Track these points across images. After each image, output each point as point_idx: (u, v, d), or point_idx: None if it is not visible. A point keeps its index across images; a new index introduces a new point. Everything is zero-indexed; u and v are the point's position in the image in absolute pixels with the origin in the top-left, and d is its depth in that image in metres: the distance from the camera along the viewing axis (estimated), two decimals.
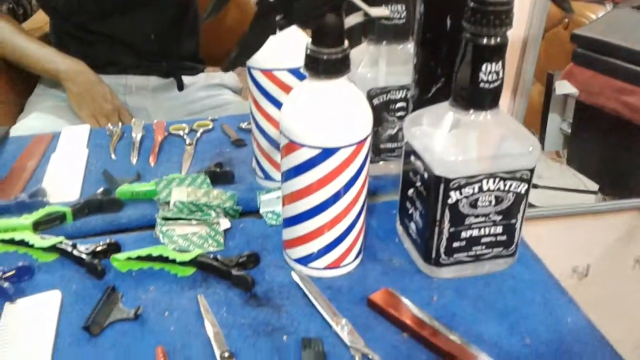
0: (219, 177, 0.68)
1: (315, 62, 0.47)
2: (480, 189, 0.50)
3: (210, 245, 0.59)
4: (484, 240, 0.54)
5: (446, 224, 0.52)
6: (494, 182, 0.50)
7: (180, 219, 0.60)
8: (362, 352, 0.47)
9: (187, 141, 0.77)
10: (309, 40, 0.47)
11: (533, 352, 0.48)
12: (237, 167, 0.71)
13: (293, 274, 0.55)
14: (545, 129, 1.11)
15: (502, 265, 0.56)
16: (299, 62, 0.48)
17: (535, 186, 0.52)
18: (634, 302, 0.99)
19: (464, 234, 0.53)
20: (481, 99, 0.49)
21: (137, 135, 0.77)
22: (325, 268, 0.55)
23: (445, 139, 0.50)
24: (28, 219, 0.60)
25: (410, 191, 0.55)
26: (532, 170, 0.51)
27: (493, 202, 0.52)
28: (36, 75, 1.01)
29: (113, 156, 0.75)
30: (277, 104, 0.61)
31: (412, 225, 0.56)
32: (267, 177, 0.67)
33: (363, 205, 0.53)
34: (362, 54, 0.63)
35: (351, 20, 0.47)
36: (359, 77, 0.62)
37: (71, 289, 0.54)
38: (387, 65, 0.63)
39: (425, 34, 0.57)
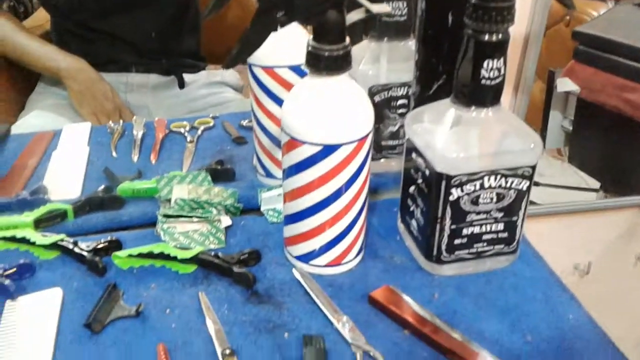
0: (220, 174, 0.68)
1: (316, 59, 0.47)
2: (482, 186, 0.50)
3: (212, 242, 0.59)
4: (485, 237, 0.54)
5: (447, 221, 0.52)
6: (496, 179, 0.50)
7: (182, 216, 0.60)
8: (363, 349, 0.47)
9: (188, 139, 0.77)
10: (310, 37, 0.47)
11: (534, 349, 0.48)
12: (238, 164, 0.71)
13: (294, 271, 0.55)
14: (547, 127, 1.11)
15: (503, 263, 0.56)
16: (300, 59, 0.48)
17: (537, 184, 0.52)
18: (636, 299, 0.99)
19: (465, 231, 0.53)
20: (483, 95, 0.49)
21: (138, 132, 0.77)
22: (326, 265, 0.55)
23: (447, 136, 0.50)
24: (29, 216, 0.60)
25: (412, 188, 0.55)
26: (533, 167, 0.51)
27: (494, 199, 0.52)
28: (37, 73, 1.01)
29: (114, 154, 0.75)
30: (278, 101, 0.61)
31: (414, 223, 0.56)
32: (268, 174, 0.67)
33: (364, 203, 0.53)
34: (363, 51, 0.63)
35: (352, 17, 0.47)
36: (360, 74, 0.62)
37: (72, 286, 0.54)
38: (389, 62, 0.63)
39: (427, 30, 0.57)
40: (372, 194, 0.60)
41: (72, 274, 0.55)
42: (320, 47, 0.46)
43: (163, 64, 1.02)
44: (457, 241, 0.53)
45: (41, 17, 1.07)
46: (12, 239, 0.58)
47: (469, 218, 0.52)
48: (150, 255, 0.55)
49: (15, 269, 0.54)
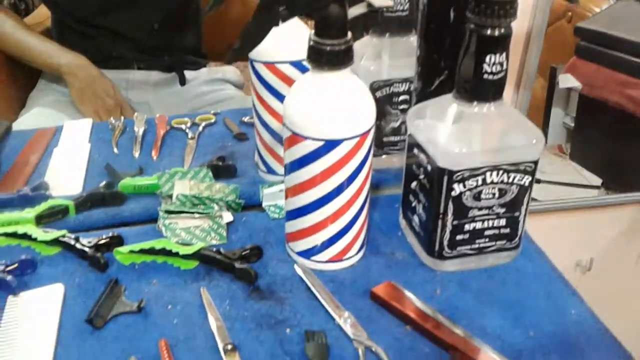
0: (222, 170, 0.68)
1: (318, 54, 0.46)
2: (484, 182, 0.50)
3: (213, 238, 0.59)
4: (487, 233, 0.54)
5: (450, 217, 0.52)
6: (498, 174, 0.50)
7: (183, 212, 0.60)
8: (365, 345, 0.47)
9: (190, 135, 0.77)
10: (312, 31, 0.47)
11: (537, 344, 0.48)
12: (240, 161, 0.71)
13: (296, 267, 0.55)
14: (548, 124, 1.11)
15: (505, 258, 0.56)
16: (302, 54, 0.48)
17: (538, 181, 0.52)
18: (638, 295, 0.99)
19: (467, 227, 0.53)
20: (485, 90, 0.49)
21: (139, 129, 0.77)
22: (328, 261, 0.55)
23: (449, 131, 0.50)
24: (31, 212, 0.60)
25: (414, 184, 0.55)
26: (536, 163, 0.51)
27: (497, 195, 0.51)
28: (38, 70, 1.00)
29: (115, 150, 0.75)
30: (280, 97, 0.61)
31: (415, 218, 0.56)
32: (270, 170, 0.67)
33: (366, 198, 0.53)
34: (365, 46, 0.63)
35: (354, 11, 0.47)
36: (362, 69, 0.62)
37: (74, 282, 0.54)
38: (390, 57, 0.63)
39: (429, 26, 0.57)
40: (373, 190, 0.60)
41: (74, 270, 0.55)
42: (322, 41, 0.46)
43: (164, 60, 1.02)
44: (459, 237, 0.53)
45: (42, 13, 1.07)
46: (14, 235, 0.58)
47: (471, 214, 0.52)
48: (151, 251, 0.55)
49: (17, 265, 0.54)
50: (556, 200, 0.94)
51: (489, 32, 0.46)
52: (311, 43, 0.47)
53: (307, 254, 0.55)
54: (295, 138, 0.49)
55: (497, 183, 0.51)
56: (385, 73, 0.63)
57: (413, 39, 0.62)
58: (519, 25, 0.75)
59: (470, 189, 0.50)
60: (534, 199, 0.55)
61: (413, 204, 0.56)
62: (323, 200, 0.51)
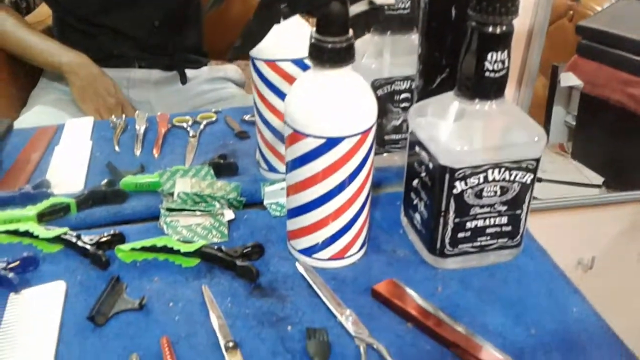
0: (223, 168, 0.68)
1: (319, 51, 0.46)
2: (486, 179, 0.50)
3: (215, 236, 0.59)
4: (489, 230, 0.54)
5: (451, 215, 0.52)
6: (500, 172, 0.50)
7: (185, 210, 0.60)
8: (366, 342, 0.47)
9: (191, 133, 0.77)
10: (313, 29, 0.47)
11: (538, 342, 0.48)
12: (241, 159, 0.71)
13: (297, 264, 0.55)
14: (550, 122, 1.11)
15: (507, 256, 0.56)
16: (303, 52, 0.48)
17: (539, 180, 0.52)
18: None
19: (469, 225, 0.53)
20: (486, 88, 0.49)
21: (140, 127, 0.77)
22: (329, 259, 0.55)
23: (451, 129, 0.50)
24: (32, 210, 0.60)
25: (415, 182, 0.55)
26: (537, 160, 0.51)
27: (498, 193, 0.51)
28: (39, 68, 1.01)
29: (117, 148, 0.75)
30: (281, 95, 0.61)
31: (417, 216, 0.56)
32: (271, 168, 0.67)
33: (368, 196, 0.53)
34: (366, 44, 0.63)
35: (356, 9, 0.46)
36: (363, 67, 0.62)
37: (76, 279, 0.54)
38: (392, 55, 0.63)
39: (430, 23, 0.57)
40: (375, 188, 0.60)
41: (76, 267, 0.55)
42: (323, 39, 0.46)
43: (165, 59, 1.02)
44: (460, 235, 0.53)
45: (43, 12, 1.07)
46: (16, 233, 0.58)
47: (472, 211, 0.52)
48: (153, 249, 0.55)
49: (18, 262, 0.54)
50: (558, 199, 0.93)
51: (490, 29, 0.46)
52: (312, 41, 0.47)
53: (309, 251, 0.55)
54: (297, 136, 0.49)
55: (498, 181, 0.51)
56: (386, 71, 0.63)
57: (414, 37, 0.62)
58: (521, 23, 0.74)
59: (471, 187, 0.50)
60: (535, 198, 0.55)
61: (414, 202, 0.56)
62: (324, 198, 0.51)
